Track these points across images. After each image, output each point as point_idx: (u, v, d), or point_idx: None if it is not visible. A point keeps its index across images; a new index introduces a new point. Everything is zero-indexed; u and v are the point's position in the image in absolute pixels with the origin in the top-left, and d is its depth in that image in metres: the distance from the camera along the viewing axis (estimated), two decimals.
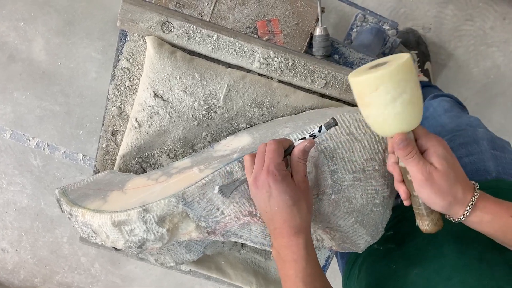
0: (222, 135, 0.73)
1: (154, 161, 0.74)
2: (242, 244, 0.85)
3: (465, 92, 1.57)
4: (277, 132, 0.65)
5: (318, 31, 0.82)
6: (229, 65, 0.70)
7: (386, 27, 1.29)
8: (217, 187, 0.59)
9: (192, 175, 0.62)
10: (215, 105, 0.70)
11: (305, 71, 0.69)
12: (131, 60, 0.70)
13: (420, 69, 1.44)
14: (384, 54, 1.32)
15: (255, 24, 0.86)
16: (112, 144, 0.76)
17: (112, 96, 0.73)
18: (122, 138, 0.75)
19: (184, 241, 0.69)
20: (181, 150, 0.73)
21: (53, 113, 1.71)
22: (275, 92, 0.70)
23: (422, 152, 0.55)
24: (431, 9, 1.50)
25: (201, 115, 0.71)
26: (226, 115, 0.71)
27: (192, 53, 0.69)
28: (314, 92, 0.72)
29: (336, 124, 0.55)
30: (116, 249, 0.68)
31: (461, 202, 0.53)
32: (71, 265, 2.03)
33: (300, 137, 0.59)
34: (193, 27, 0.66)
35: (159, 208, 0.59)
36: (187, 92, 0.69)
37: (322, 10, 0.83)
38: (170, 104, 0.69)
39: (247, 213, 0.61)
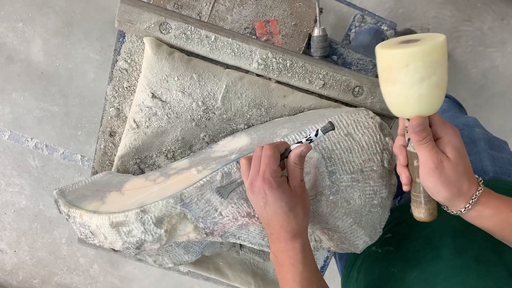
0: (220, 136, 0.73)
1: (152, 162, 0.74)
2: (240, 245, 0.85)
3: (463, 93, 1.58)
4: (275, 133, 0.65)
5: (316, 32, 0.82)
6: (227, 66, 0.70)
7: (384, 27, 1.29)
8: (215, 188, 0.59)
9: (190, 176, 0.62)
10: (213, 106, 0.70)
11: (303, 72, 0.69)
12: (129, 61, 0.70)
13: None
14: None
15: (254, 25, 0.86)
16: (110, 145, 0.76)
17: (110, 97, 0.73)
18: (120, 139, 0.75)
19: (182, 242, 0.69)
20: (179, 151, 0.73)
21: (52, 114, 1.71)
22: (273, 93, 0.70)
23: (435, 140, 0.54)
24: (429, 9, 1.50)
25: (199, 116, 0.70)
26: (224, 116, 0.71)
27: (190, 54, 0.69)
28: (312, 93, 0.72)
29: (333, 128, 0.54)
30: (114, 250, 0.68)
31: (464, 195, 0.52)
32: (69, 266, 2.03)
33: (297, 141, 0.58)
34: (191, 28, 0.66)
35: (157, 209, 0.59)
36: (185, 93, 0.69)
37: (321, 11, 0.83)
38: (168, 105, 0.69)
39: (245, 214, 0.61)
